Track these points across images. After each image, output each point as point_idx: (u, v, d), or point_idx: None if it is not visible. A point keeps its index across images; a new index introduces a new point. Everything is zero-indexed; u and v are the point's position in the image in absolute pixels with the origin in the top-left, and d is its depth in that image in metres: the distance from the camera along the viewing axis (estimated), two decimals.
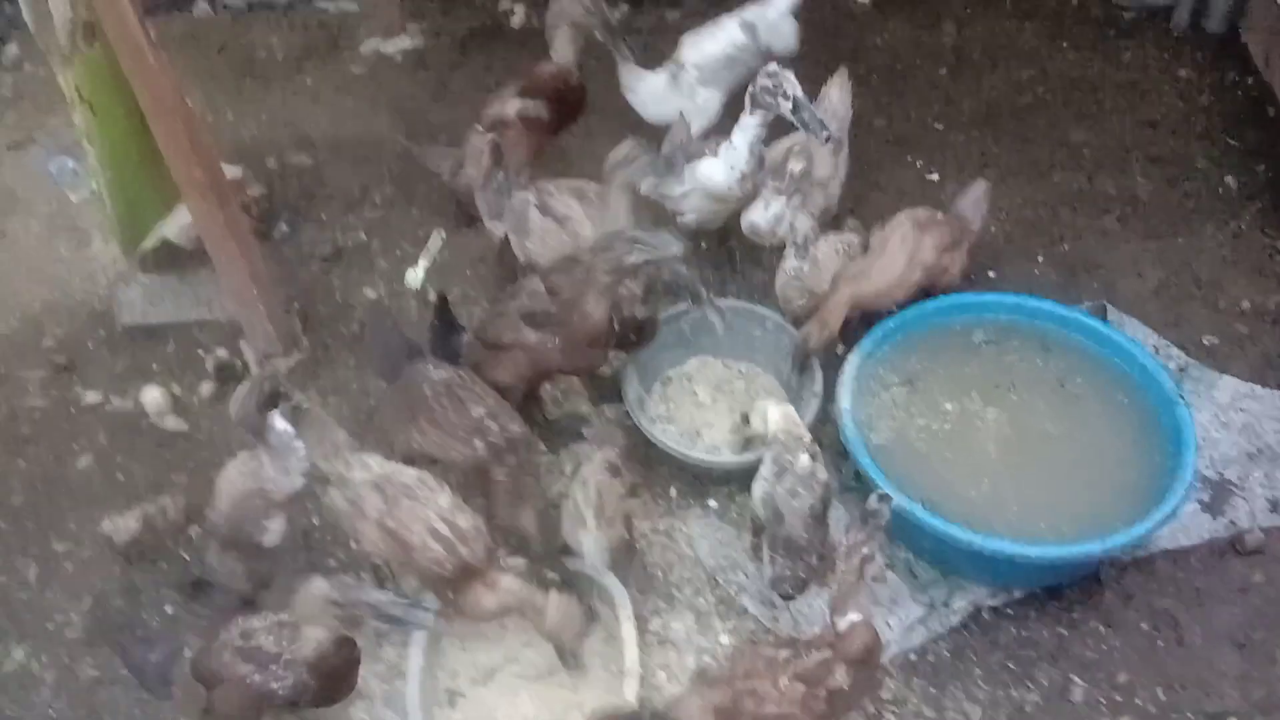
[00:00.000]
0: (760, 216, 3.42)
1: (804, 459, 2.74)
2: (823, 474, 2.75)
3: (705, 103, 3.82)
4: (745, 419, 2.95)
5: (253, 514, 2.78)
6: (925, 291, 3.30)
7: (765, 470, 2.77)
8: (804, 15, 3.89)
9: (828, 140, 3.25)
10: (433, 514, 2.64)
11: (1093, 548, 2.71)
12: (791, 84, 3.14)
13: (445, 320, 3.21)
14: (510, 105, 3.71)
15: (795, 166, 3.39)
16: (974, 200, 3.51)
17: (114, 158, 3.64)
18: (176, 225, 3.74)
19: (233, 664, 2.50)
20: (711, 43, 3.81)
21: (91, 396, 3.61)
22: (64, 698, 2.92)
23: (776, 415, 2.81)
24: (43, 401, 3.62)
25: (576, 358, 3.07)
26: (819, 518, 2.75)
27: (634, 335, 3.14)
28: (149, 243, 3.80)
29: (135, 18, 2.89)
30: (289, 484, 2.77)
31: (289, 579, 2.72)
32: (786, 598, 2.83)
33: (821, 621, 2.88)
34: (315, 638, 2.51)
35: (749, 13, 3.81)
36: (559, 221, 3.30)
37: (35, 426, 3.55)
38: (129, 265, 3.94)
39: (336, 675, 2.59)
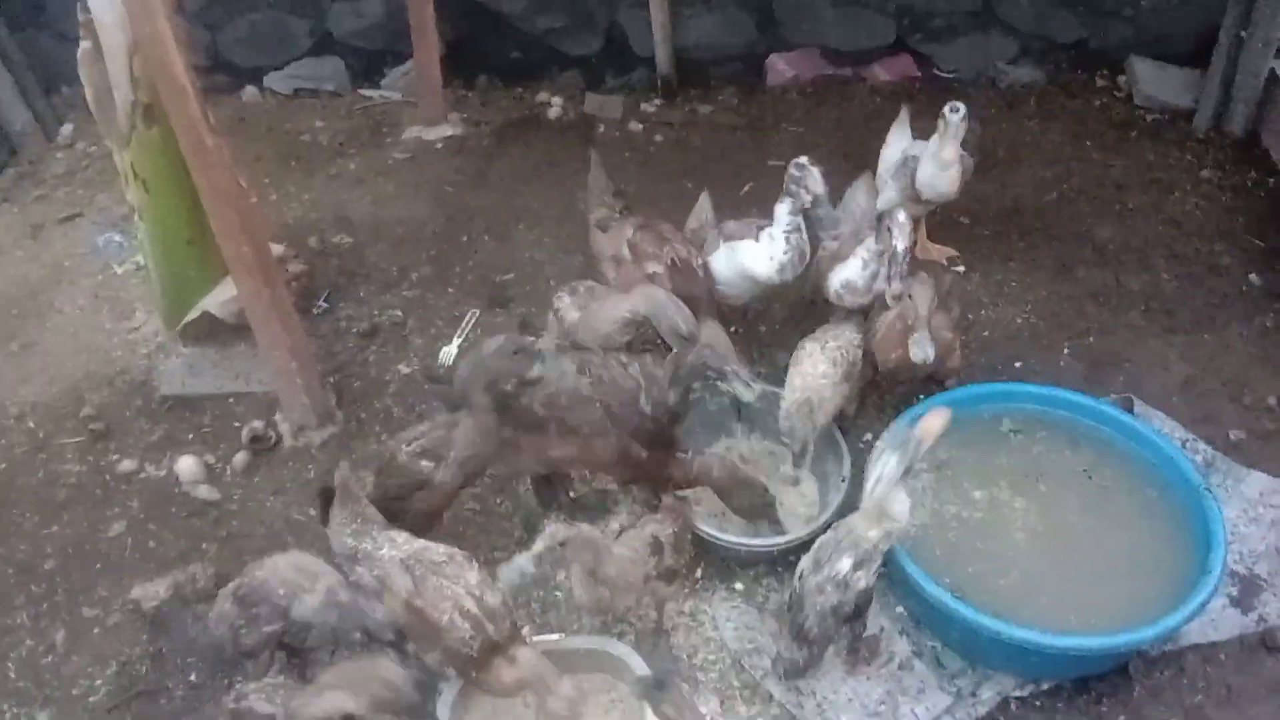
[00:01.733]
0: (856, 274, 3.44)
1: (845, 563, 2.70)
2: (864, 582, 2.70)
3: None
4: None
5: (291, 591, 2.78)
6: (930, 377, 3.37)
7: (806, 556, 2.78)
8: (832, 115, 4.04)
9: (836, 239, 3.42)
10: (462, 592, 2.64)
11: (1120, 640, 2.69)
12: (815, 181, 3.34)
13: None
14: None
15: (899, 244, 3.33)
16: (948, 292, 3.52)
17: (163, 234, 3.78)
18: (219, 300, 3.85)
19: None
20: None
21: (127, 464, 3.67)
22: None
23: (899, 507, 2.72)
24: (79, 468, 3.69)
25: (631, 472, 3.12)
26: (844, 617, 2.74)
27: (666, 418, 3.17)
28: (191, 315, 3.90)
29: (197, 103, 3.03)
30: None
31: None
32: (783, 677, 2.85)
33: (847, 710, 2.87)
34: (336, 704, 2.45)
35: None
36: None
37: (70, 492, 3.60)
38: (170, 337, 4.05)
39: None
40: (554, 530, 2.75)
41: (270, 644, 2.77)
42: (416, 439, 3.10)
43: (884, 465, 2.71)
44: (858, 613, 2.79)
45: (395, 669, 2.51)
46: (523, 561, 2.73)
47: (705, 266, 3.57)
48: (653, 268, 3.50)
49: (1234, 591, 3.11)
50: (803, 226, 3.43)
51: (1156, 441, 3.16)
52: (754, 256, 3.45)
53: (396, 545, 2.77)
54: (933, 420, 2.73)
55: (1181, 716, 2.88)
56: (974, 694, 2.91)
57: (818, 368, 3.24)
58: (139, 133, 3.51)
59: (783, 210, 3.38)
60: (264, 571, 2.80)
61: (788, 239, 3.39)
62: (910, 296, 3.24)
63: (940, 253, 4.24)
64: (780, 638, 2.84)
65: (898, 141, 4.02)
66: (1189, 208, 4.49)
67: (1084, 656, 2.76)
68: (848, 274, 3.46)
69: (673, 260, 3.50)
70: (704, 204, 3.86)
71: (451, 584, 2.65)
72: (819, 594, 2.70)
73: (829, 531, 2.80)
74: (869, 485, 2.74)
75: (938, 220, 4.48)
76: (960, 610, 2.76)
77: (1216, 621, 3.04)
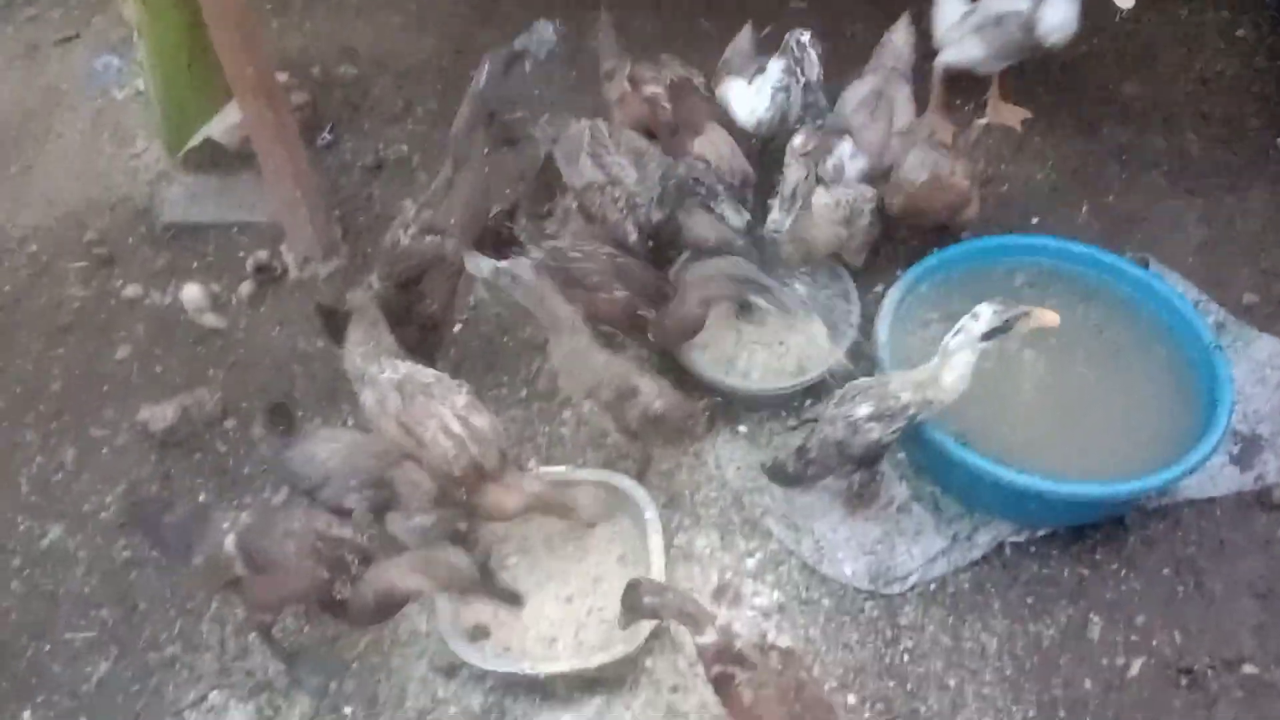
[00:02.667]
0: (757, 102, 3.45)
1: (863, 409, 2.74)
2: (876, 434, 2.73)
3: None
4: None
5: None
6: (944, 228, 3.33)
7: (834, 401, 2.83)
8: None
9: (820, 127, 3.30)
10: (447, 412, 2.67)
11: (1119, 489, 2.72)
12: (812, 65, 3.35)
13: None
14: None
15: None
16: (974, 142, 3.46)
17: (163, 54, 3.66)
18: (222, 126, 3.77)
19: (300, 557, 2.46)
20: None
21: (131, 290, 3.65)
22: (97, 576, 2.99)
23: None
24: (83, 293, 3.67)
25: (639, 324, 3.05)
26: (848, 457, 2.79)
27: (650, 242, 3.18)
28: (193, 141, 3.82)
29: None
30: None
31: None
32: (773, 480, 2.96)
33: (845, 548, 2.93)
34: (384, 585, 2.47)
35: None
36: (605, 174, 3.30)
37: (75, 316, 3.60)
38: (171, 164, 3.98)
39: (394, 608, 2.55)
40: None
41: None
42: (413, 220, 3.08)
43: (957, 331, 2.73)
44: (864, 461, 2.82)
45: (460, 554, 2.52)
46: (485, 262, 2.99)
47: (708, 87, 3.51)
48: (651, 89, 3.46)
49: (1235, 450, 3.13)
50: (793, 89, 3.37)
51: (1170, 298, 3.14)
52: (738, 98, 3.44)
53: (396, 369, 2.79)
54: (1047, 314, 2.73)
55: (1173, 567, 2.94)
56: (970, 538, 2.96)
57: (821, 199, 3.22)
58: None
59: (777, 68, 3.36)
60: None
61: (773, 96, 3.38)
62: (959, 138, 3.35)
63: (1014, 114, 4.02)
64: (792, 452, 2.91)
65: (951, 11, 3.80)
66: (1220, 67, 4.34)
67: (1082, 504, 2.80)
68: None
69: (671, 81, 3.44)
70: (744, 35, 3.73)
71: (438, 404, 2.69)
72: (830, 424, 2.77)
73: (869, 377, 2.83)
74: (948, 339, 2.75)
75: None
76: (963, 456, 2.78)
77: (1215, 478, 3.07)
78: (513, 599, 2.55)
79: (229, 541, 2.50)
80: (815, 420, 2.88)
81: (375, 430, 2.81)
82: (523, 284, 2.92)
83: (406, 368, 2.81)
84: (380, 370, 2.80)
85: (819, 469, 2.84)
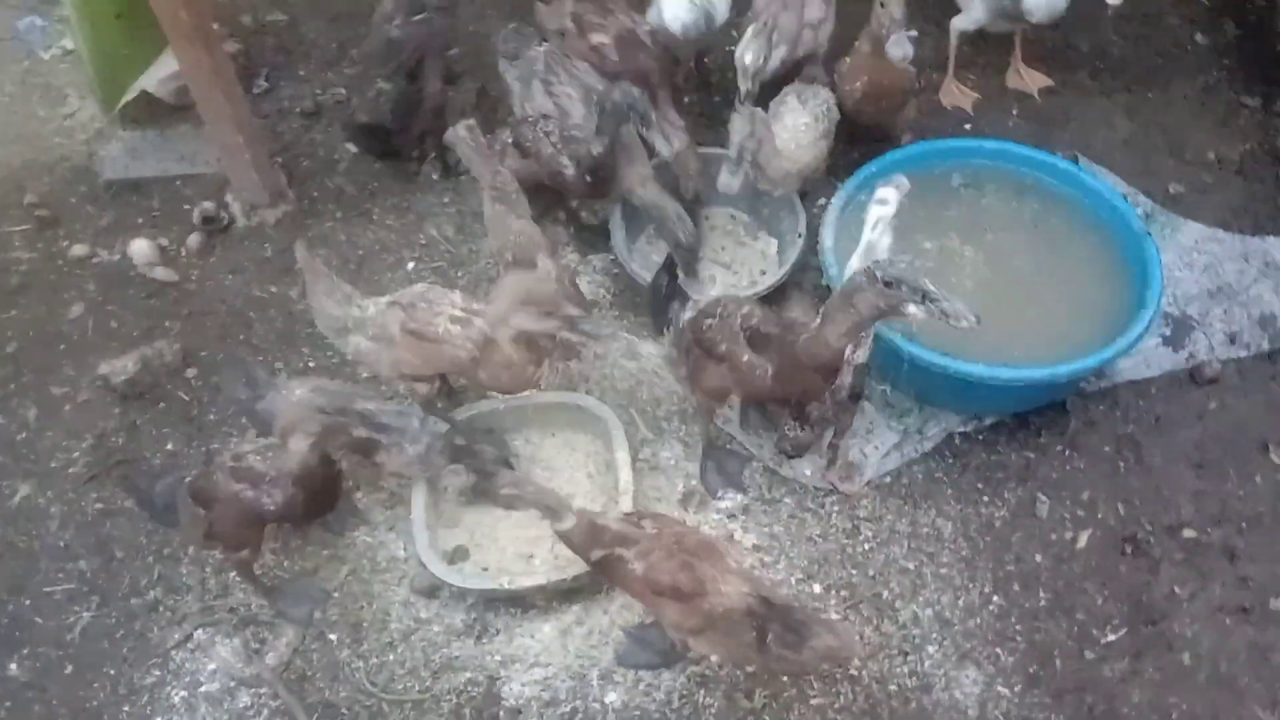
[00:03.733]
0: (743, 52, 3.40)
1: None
2: (861, 358, 2.78)
3: None
4: None
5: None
6: (882, 135, 3.45)
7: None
8: None
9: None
10: (447, 305, 2.76)
11: (1058, 370, 2.84)
12: None
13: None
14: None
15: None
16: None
17: (90, 8, 3.61)
18: (156, 77, 3.73)
19: (226, 484, 2.59)
20: None
21: (79, 249, 3.63)
22: (71, 529, 3.01)
23: None
24: (29, 254, 3.64)
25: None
26: (843, 401, 2.85)
27: (589, 177, 3.21)
28: (129, 96, 3.78)
29: None
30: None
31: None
32: (787, 455, 3.00)
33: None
34: (298, 451, 2.57)
35: None
36: (555, 104, 3.33)
37: (24, 278, 3.57)
38: (108, 121, 3.93)
39: (321, 487, 2.66)
40: None
41: None
42: (395, 11, 3.46)
43: (874, 224, 2.84)
44: (855, 395, 2.89)
45: (304, 390, 2.67)
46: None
47: (652, 34, 3.51)
48: (598, 38, 3.44)
49: (1167, 332, 3.29)
50: None
51: (1100, 190, 3.26)
52: (668, 5, 3.47)
53: (378, 302, 2.83)
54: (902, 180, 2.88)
55: (1114, 444, 3.10)
56: (920, 431, 3.09)
57: (799, 119, 3.26)
58: None
59: None
60: None
61: (693, 1, 3.43)
62: (883, 4, 3.26)
63: (1033, 80, 3.97)
64: (784, 420, 2.97)
65: None
66: None
67: (1024, 389, 2.91)
68: (738, 52, 3.38)
69: (618, 34, 3.44)
70: None
71: (437, 305, 2.77)
72: None
73: None
74: (866, 237, 2.84)
75: None
76: (910, 350, 2.89)
77: (1149, 359, 3.23)
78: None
79: (184, 492, 2.58)
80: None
81: (375, 362, 2.86)
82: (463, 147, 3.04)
83: (388, 297, 2.86)
84: (364, 308, 2.83)
85: (822, 422, 2.91)
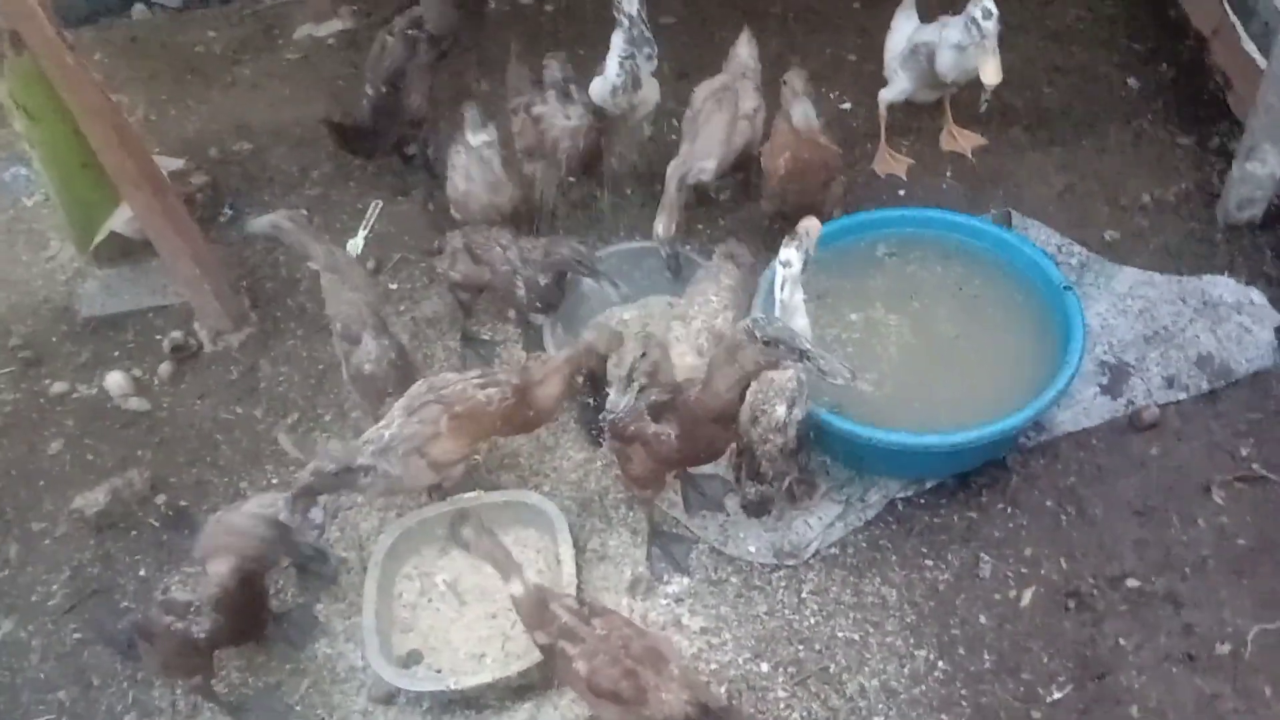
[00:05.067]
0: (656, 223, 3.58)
1: (780, 410, 2.86)
2: (799, 415, 2.88)
3: None
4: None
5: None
6: (813, 211, 3.48)
7: (742, 410, 2.90)
8: None
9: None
10: (465, 381, 3.01)
11: (984, 431, 2.88)
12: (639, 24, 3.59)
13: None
14: None
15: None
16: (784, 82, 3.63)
17: (56, 159, 3.83)
18: (122, 219, 3.93)
19: (159, 617, 2.66)
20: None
21: (59, 386, 3.81)
22: (51, 660, 3.13)
23: (788, 372, 2.86)
24: (14, 395, 3.82)
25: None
26: (790, 453, 2.92)
27: (539, 303, 3.40)
28: (99, 237, 3.99)
29: (50, 23, 3.06)
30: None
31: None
32: (753, 515, 3.05)
33: (746, 527, 3.09)
34: (217, 574, 2.65)
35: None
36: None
37: (7, 419, 3.75)
38: (84, 261, 4.15)
39: (245, 608, 2.72)
40: None
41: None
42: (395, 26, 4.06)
43: (781, 285, 2.96)
44: (800, 445, 2.97)
45: (232, 514, 2.78)
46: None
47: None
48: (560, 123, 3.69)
49: (1104, 380, 3.32)
50: (637, 55, 3.64)
51: (1021, 248, 3.33)
52: (596, 86, 3.74)
53: (388, 424, 2.97)
54: (811, 221, 3.02)
55: (1055, 497, 3.12)
56: (862, 499, 3.14)
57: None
58: (10, 60, 3.53)
59: (619, 39, 3.63)
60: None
61: (621, 64, 3.64)
62: (785, 83, 3.53)
63: (966, 141, 4.10)
64: (740, 482, 3.05)
65: (903, 27, 3.94)
66: (1069, 20, 4.56)
67: (954, 452, 2.96)
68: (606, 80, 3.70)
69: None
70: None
71: (455, 383, 3.00)
72: (764, 443, 2.88)
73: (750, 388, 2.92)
74: (778, 297, 2.97)
75: (827, 60, 4.55)
76: (839, 425, 2.96)
77: (1088, 409, 3.26)
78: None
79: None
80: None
81: (413, 475, 2.98)
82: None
83: (396, 411, 3.00)
84: (379, 438, 2.93)
85: (779, 477, 2.96)
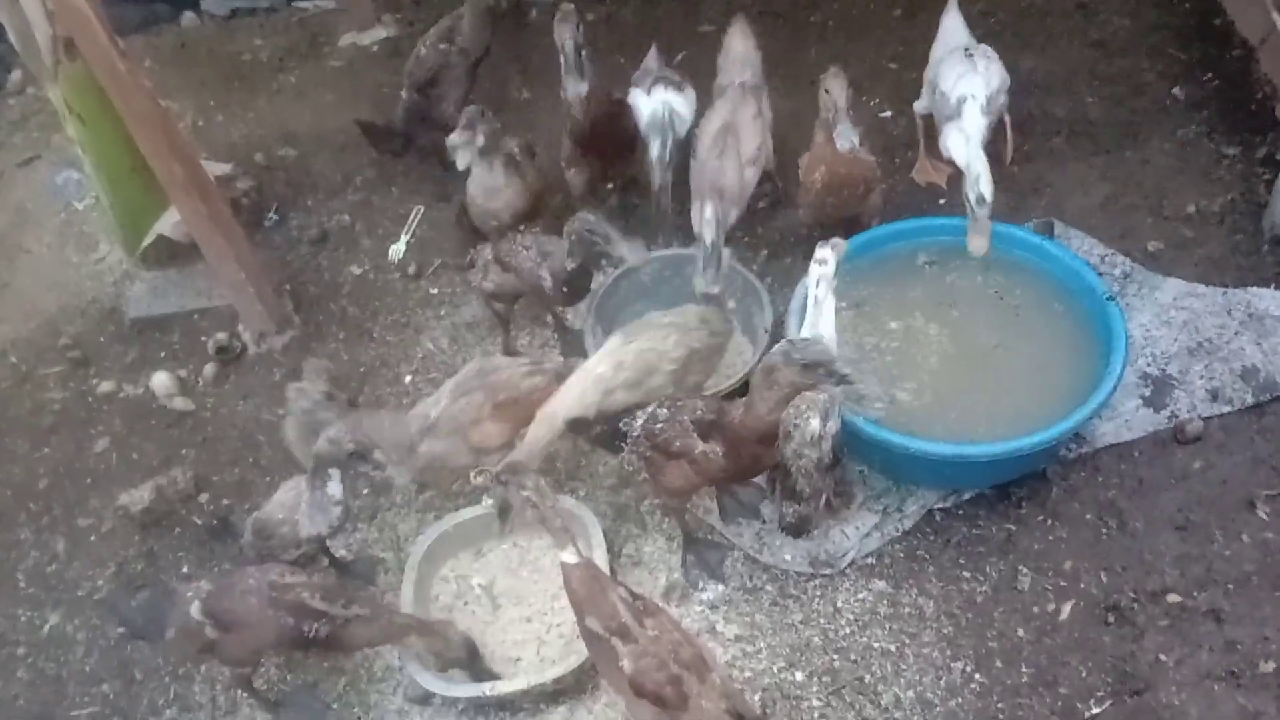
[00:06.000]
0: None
1: (814, 423, 2.78)
2: (834, 428, 2.79)
3: None
4: None
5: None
6: (851, 221, 3.50)
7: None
8: None
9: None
10: (514, 367, 3.17)
11: (1023, 442, 2.86)
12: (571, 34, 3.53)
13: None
14: None
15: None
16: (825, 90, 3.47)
17: (107, 164, 3.91)
18: (170, 222, 4.01)
19: (261, 608, 2.67)
20: None
21: (106, 386, 3.89)
22: (96, 654, 3.20)
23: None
24: (62, 394, 3.91)
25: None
26: (825, 469, 2.84)
27: (565, 289, 3.40)
28: (147, 240, 4.07)
29: (103, 30, 3.12)
30: (312, 528, 2.94)
31: None
32: (792, 535, 3.02)
33: (783, 535, 3.08)
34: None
35: None
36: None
37: (56, 417, 3.83)
38: (132, 264, 4.23)
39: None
40: None
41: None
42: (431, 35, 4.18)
43: (816, 282, 2.97)
44: (836, 460, 2.90)
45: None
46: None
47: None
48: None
49: (1147, 392, 3.28)
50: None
51: (1063, 257, 3.30)
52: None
53: (435, 403, 3.10)
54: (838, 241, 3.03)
55: (1095, 510, 3.09)
56: (899, 509, 3.12)
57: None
58: (64, 66, 3.61)
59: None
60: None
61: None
62: (827, 91, 3.39)
63: (939, 173, 3.96)
64: (776, 501, 3.04)
65: (948, 33, 3.78)
66: (1113, 29, 4.50)
67: (993, 463, 2.94)
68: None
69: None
70: (651, 56, 3.98)
71: (504, 370, 3.14)
72: (798, 459, 2.79)
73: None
74: (812, 294, 2.98)
75: (868, 67, 4.54)
76: (877, 433, 2.95)
77: (1130, 422, 3.22)
78: (484, 670, 2.87)
79: (195, 609, 2.71)
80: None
81: (453, 455, 3.07)
82: None
83: (446, 389, 3.16)
84: (428, 415, 3.08)
85: (815, 495, 2.89)
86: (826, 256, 2.98)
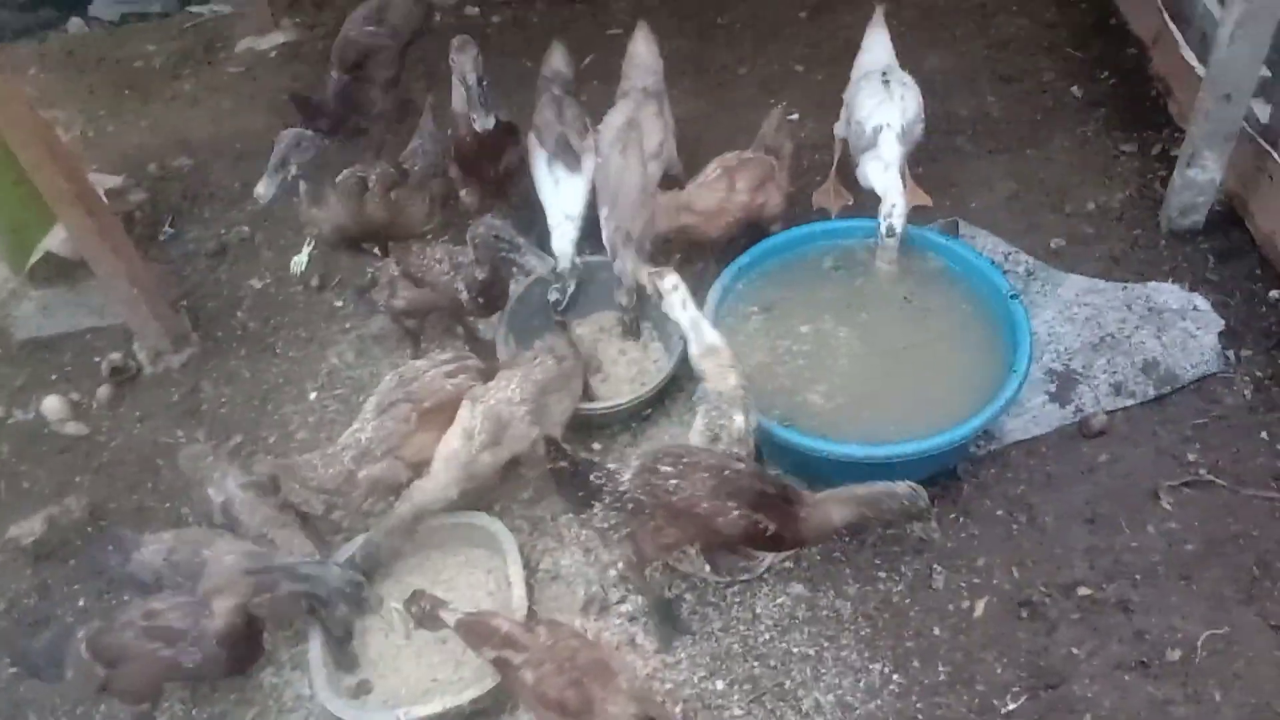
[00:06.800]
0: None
1: (738, 419, 2.83)
2: (753, 420, 2.87)
3: None
4: None
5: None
6: (755, 227, 3.49)
7: (699, 429, 2.89)
8: None
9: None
10: (433, 370, 3.12)
11: (932, 441, 2.88)
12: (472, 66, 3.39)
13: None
14: None
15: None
16: (774, 129, 3.62)
17: None
18: (58, 238, 3.84)
19: (138, 642, 2.62)
20: None
21: None
22: None
23: (732, 380, 2.90)
24: None
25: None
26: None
27: (481, 299, 3.33)
28: (34, 257, 3.90)
29: None
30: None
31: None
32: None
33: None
34: (224, 611, 2.62)
35: None
36: None
37: None
38: (19, 282, 4.05)
39: (246, 645, 2.72)
40: None
41: None
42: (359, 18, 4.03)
43: (683, 304, 3.00)
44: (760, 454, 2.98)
45: (233, 555, 2.71)
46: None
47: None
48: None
49: (1052, 388, 3.33)
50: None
51: (968, 258, 3.34)
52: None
53: (361, 428, 3.03)
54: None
55: (1006, 506, 3.12)
56: None
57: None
58: None
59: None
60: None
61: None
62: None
63: (838, 199, 3.90)
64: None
65: (871, 51, 3.76)
66: (1013, 29, 4.59)
67: (904, 462, 2.95)
68: None
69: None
70: (558, 57, 3.90)
71: (422, 376, 3.10)
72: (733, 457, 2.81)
73: (699, 414, 2.91)
74: (688, 317, 2.99)
75: (775, 69, 4.55)
76: (786, 436, 2.94)
77: (1038, 417, 3.27)
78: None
79: (82, 649, 2.60)
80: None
81: (393, 475, 3.01)
82: None
83: (369, 410, 3.09)
84: (356, 442, 3.01)
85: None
86: (674, 282, 3.02)
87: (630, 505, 2.72)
